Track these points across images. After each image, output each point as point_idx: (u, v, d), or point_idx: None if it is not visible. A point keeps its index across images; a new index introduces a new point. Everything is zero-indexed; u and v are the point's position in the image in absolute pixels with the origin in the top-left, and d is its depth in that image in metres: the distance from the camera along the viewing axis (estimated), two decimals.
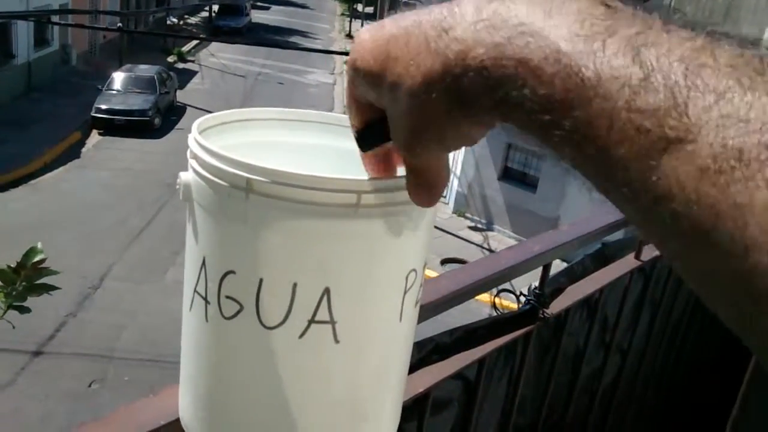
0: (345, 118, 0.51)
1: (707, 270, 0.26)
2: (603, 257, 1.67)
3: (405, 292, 0.51)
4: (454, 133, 0.38)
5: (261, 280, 0.48)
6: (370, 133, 0.45)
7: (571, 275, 1.54)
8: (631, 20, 0.30)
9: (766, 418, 1.95)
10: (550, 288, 1.40)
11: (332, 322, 0.48)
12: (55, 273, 1.71)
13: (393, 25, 0.39)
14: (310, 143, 0.62)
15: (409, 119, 0.38)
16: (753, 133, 0.25)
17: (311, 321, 0.48)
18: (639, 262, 1.72)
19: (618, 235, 1.63)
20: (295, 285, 0.47)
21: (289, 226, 0.46)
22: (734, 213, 0.25)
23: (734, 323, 0.27)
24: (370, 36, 0.40)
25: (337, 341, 0.49)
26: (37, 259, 1.67)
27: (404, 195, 0.46)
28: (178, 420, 0.57)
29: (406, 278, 0.50)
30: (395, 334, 0.52)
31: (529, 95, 0.30)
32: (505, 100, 0.32)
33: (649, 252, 1.76)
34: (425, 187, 0.44)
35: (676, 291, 1.98)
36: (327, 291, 0.47)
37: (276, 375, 0.50)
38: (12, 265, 1.65)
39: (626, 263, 1.70)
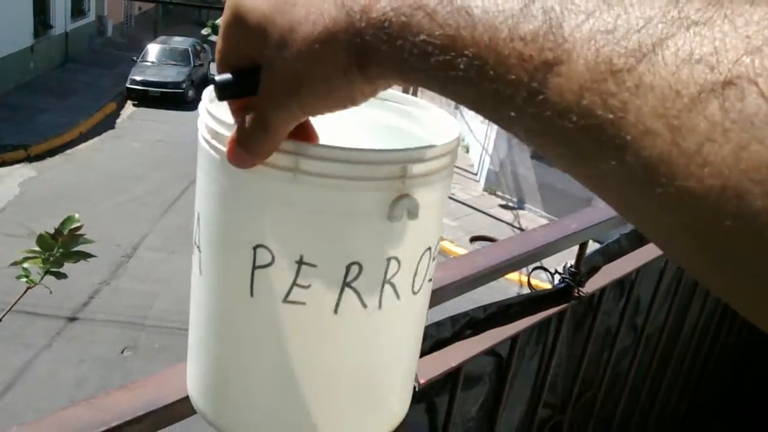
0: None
1: (597, 177, 0.29)
2: (639, 237, 1.64)
3: (254, 267, 0.46)
4: (341, 94, 0.38)
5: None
6: (234, 82, 0.42)
7: (607, 254, 1.52)
8: None
9: None
10: (585, 267, 1.39)
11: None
12: (90, 242, 1.74)
13: None
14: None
15: (296, 71, 0.37)
16: (619, 42, 0.27)
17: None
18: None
19: None
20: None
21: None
22: (614, 122, 0.27)
23: (628, 218, 0.30)
24: None
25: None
26: (73, 226, 1.70)
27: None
28: (187, 398, 0.57)
29: (254, 251, 0.47)
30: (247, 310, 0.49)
31: (426, 38, 0.32)
32: (404, 48, 0.33)
33: None
34: (257, 148, 0.42)
35: None
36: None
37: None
38: (50, 232, 1.69)
39: None
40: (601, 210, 1.41)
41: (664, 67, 0.25)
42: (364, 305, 0.47)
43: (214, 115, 0.47)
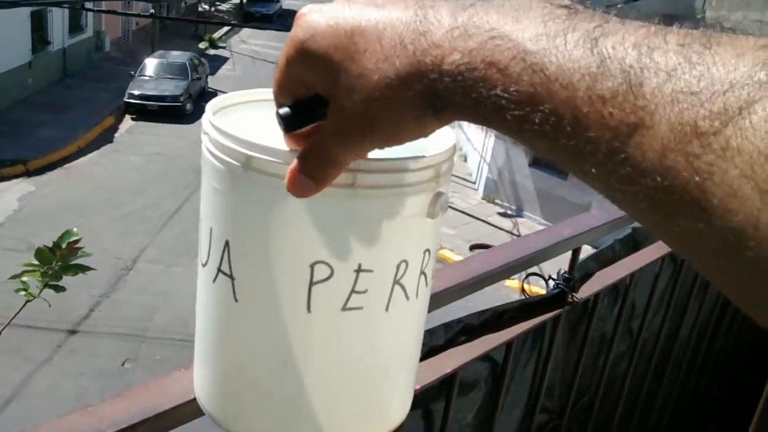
0: None
1: (679, 235, 0.28)
2: (633, 242, 1.65)
3: (312, 283, 0.48)
4: (412, 133, 0.39)
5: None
6: (297, 113, 0.44)
7: (601, 260, 1.53)
8: (590, 17, 0.32)
9: None
10: (579, 273, 1.40)
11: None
12: (88, 255, 1.75)
13: (356, 14, 0.38)
14: None
15: (368, 114, 0.38)
16: (704, 104, 0.26)
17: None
18: (670, 248, 1.70)
19: None
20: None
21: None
22: (699, 183, 0.26)
23: (708, 275, 0.30)
24: (327, 20, 0.39)
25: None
26: (72, 240, 1.71)
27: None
28: (193, 400, 0.59)
29: (312, 268, 0.48)
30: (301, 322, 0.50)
31: (500, 93, 0.32)
32: (479, 101, 0.33)
33: None
34: (324, 177, 0.43)
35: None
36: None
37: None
38: (48, 246, 1.70)
39: (657, 249, 1.68)
40: (594, 216, 1.43)
41: (753, 132, 0.25)
42: (407, 297, 0.51)
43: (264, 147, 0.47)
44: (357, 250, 0.48)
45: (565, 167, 0.33)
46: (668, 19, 0.32)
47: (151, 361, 8.51)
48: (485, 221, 13.65)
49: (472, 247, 12.41)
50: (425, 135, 0.40)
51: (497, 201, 14.68)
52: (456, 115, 0.37)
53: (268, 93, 0.60)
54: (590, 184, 0.32)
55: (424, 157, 0.48)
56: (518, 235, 13.16)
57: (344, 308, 0.49)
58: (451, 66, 0.34)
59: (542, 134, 0.31)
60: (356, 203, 0.46)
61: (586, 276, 1.45)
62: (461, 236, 12.67)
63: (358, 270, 0.48)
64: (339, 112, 0.39)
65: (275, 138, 0.48)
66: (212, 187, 0.50)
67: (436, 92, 0.35)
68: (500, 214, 14.32)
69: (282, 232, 0.48)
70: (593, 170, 0.30)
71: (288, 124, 0.44)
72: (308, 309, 0.49)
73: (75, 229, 1.75)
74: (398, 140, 0.40)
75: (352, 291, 0.48)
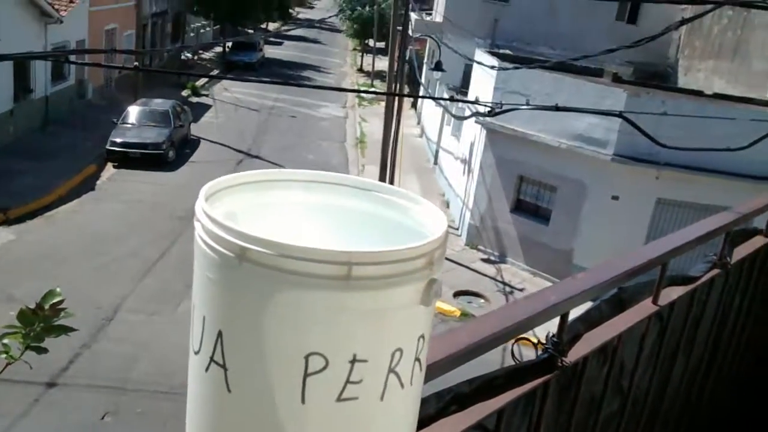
0: (354, 179, 0.53)
1: None
2: (620, 302, 1.66)
3: (307, 374, 0.48)
4: None
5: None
6: None
7: (589, 321, 1.53)
8: None
9: None
10: (567, 335, 1.40)
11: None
12: (71, 315, 1.73)
13: None
14: (325, 203, 0.62)
15: None
16: None
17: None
18: (656, 307, 1.71)
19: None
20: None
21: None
22: None
23: None
24: None
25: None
26: (55, 300, 1.69)
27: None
28: None
29: (306, 359, 0.48)
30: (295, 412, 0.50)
31: None
32: None
33: (667, 296, 1.75)
34: None
35: (693, 337, 1.96)
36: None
37: None
38: (31, 307, 1.67)
39: (643, 308, 1.69)
40: (581, 279, 1.44)
41: None
42: (402, 385, 0.51)
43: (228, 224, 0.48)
44: (352, 341, 0.48)
45: None
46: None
47: (131, 414, 8.32)
48: (469, 267, 13.65)
49: (457, 294, 12.38)
50: None
51: (480, 247, 14.71)
52: None
53: (261, 175, 0.61)
54: None
55: (417, 246, 0.48)
56: (503, 281, 13.16)
57: (339, 399, 0.49)
58: None
59: None
60: (351, 295, 0.47)
61: (575, 338, 1.45)
62: (445, 283, 12.60)
63: (353, 360, 0.48)
64: None
65: (270, 226, 0.48)
66: (205, 275, 0.50)
67: None
68: (483, 260, 14.33)
69: (276, 324, 0.48)
70: None
71: None
72: (303, 400, 0.49)
73: (58, 289, 1.73)
74: None
75: (347, 381, 0.49)
